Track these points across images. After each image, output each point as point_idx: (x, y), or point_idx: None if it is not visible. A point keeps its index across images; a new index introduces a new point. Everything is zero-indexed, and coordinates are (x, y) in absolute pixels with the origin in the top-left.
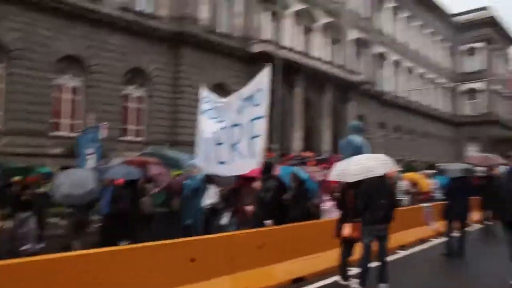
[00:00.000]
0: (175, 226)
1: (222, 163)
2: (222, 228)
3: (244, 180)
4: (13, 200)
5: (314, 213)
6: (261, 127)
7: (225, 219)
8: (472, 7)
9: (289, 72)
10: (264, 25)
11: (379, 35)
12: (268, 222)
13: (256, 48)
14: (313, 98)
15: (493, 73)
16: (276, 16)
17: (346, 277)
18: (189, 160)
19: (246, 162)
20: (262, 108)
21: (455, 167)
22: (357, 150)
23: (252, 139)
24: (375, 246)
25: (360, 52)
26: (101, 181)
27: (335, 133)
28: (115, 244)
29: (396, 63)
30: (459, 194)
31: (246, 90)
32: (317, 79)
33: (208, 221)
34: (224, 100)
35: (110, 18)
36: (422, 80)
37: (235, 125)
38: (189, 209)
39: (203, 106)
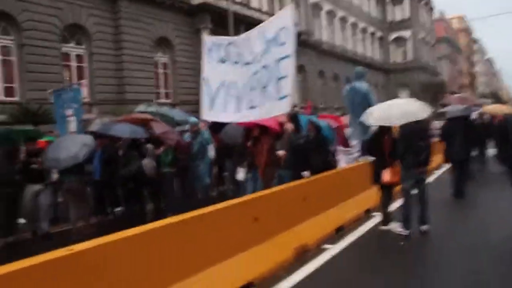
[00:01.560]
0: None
1: (252, 107)
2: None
3: (260, 130)
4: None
5: (331, 162)
6: (289, 67)
7: (241, 175)
8: None
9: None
10: None
11: None
12: (306, 173)
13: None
14: None
15: (418, 21)
16: None
17: (387, 221)
18: (185, 117)
19: (276, 104)
20: (288, 47)
21: (452, 108)
22: (365, 97)
23: (279, 80)
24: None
25: (297, 2)
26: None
27: None
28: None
29: (331, 13)
30: (457, 134)
31: (268, 30)
32: None
33: None
34: (239, 39)
35: None
36: (354, 30)
37: (264, 67)
38: (202, 168)
39: (218, 53)
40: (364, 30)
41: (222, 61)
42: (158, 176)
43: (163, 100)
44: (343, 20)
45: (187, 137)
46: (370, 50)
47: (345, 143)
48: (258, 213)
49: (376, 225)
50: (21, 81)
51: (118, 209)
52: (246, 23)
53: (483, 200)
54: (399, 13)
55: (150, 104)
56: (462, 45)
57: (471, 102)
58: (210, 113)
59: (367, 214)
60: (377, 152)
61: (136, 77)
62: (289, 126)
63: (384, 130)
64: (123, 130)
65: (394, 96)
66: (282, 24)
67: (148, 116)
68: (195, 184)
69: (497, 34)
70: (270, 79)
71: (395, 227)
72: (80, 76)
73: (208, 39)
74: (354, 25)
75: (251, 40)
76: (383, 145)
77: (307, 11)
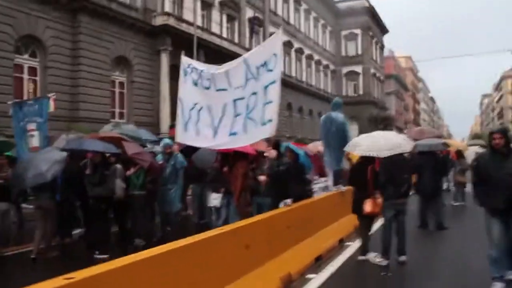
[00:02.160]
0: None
1: (234, 134)
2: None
3: (235, 157)
4: None
5: (308, 190)
6: (275, 92)
7: (216, 201)
8: None
9: (189, 47)
10: None
11: (273, 16)
12: (288, 201)
13: (158, 21)
14: None
15: (370, 58)
16: None
17: (365, 251)
18: (152, 138)
19: (259, 129)
20: (275, 73)
21: (424, 142)
22: (341, 127)
23: (265, 106)
24: None
25: (256, 32)
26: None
27: None
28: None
29: (288, 44)
30: (427, 168)
31: (258, 56)
32: (217, 56)
33: None
34: (213, 68)
35: None
36: (310, 61)
37: (253, 93)
38: (174, 192)
39: (192, 76)
40: (318, 62)
41: (195, 84)
42: (127, 198)
43: (117, 120)
44: (299, 51)
45: (159, 158)
46: (323, 83)
47: (322, 171)
48: (249, 241)
49: (353, 255)
50: None
51: (77, 231)
52: (206, 48)
53: (453, 231)
54: (352, 48)
55: (116, 124)
56: (408, 83)
57: (431, 135)
58: (184, 136)
59: (341, 244)
60: (359, 182)
61: (91, 94)
62: (272, 153)
63: (367, 161)
64: (96, 145)
65: None
66: (273, 50)
67: (119, 135)
68: (165, 208)
69: (439, 76)
70: (256, 105)
71: (373, 257)
72: (33, 90)
73: (184, 60)
74: (309, 57)
75: (231, 69)
76: (366, 175)
77: (264, 40)
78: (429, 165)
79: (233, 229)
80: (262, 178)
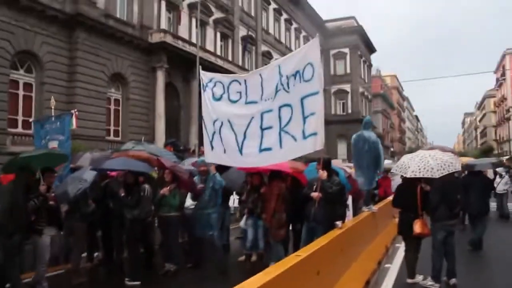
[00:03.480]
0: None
1: (266, 149)
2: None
3: (271, 176)
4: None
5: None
6: (316, 104)
7: (242, 222)
8: (341, 16)
9: (184, 64)
10: (161, 15)
11: (265, 34)
12: (339, 223)
13: (155, 38)
14: None
15: (358, 77)
16: (171, 6)
17: (413, 274)
18: (174, 158)
19: (299, 144)
20: (314, 83)
21: (483, 162)
22: (374, 146)
23: (306, 118)
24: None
25: (249, 50)
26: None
27: None
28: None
29: None
30: (476, 188)
31: (290, 65)
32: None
33: None
34: (245, 77)
35: None
36: None
37: (286, 105)
38: (215, 216)
39: (214, 90)
40: None
41: (217, 98)
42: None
43: (112, 138)
44: None
45: (196, 180)
46: None
47: (358, 193)
48: (320, 266)
49: (399, 278)
50: None
51: (95, 254)
52: (201, 65)
53: (498, 252)
54: (341, 67)
55: (137, 142)
56: (394, 101)
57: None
58: (211, 155)
59: (380, 266)
60: (407, 202)
61: (87, 111)
62: (323, 174)
63: (415, 182)
64: (138, 165)
65: (334, 146)
66: (308, 59)
67: (149, 154)
68: (201, 233)
69: (422, 95)
70: (292, 118)
71: (424, 280)
72: (27, 106)
73: (204, 75)
74: None
75: (263, 77)
76: (415, 196)
77: (258, 59)
78: (477, 185)
79: (308, 255)
80: (315, 194)
